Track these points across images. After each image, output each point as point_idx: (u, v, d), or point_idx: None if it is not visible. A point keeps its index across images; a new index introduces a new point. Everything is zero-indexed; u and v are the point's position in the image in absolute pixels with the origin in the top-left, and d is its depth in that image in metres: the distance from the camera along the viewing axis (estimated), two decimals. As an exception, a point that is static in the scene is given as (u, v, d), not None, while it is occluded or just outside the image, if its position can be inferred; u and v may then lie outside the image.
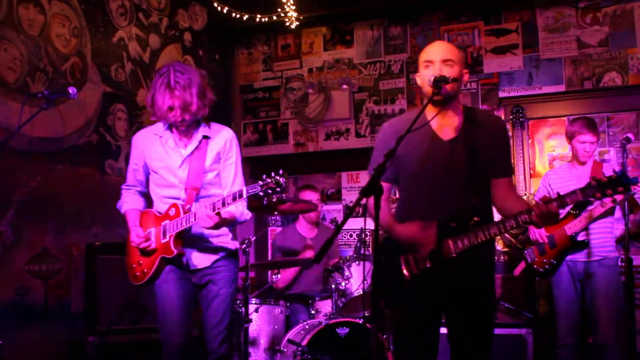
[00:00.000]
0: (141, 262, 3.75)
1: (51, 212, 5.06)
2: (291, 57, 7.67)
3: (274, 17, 6.99)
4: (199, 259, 3.75)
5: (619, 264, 4.93)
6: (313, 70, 7.56)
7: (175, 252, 3.62)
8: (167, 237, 3.64)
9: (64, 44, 5.26)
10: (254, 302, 5.28)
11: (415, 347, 3.18)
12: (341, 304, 5.25)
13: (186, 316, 3.74)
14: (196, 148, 3.70)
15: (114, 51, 5.82)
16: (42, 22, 5.06)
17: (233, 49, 7.84)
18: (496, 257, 5.77)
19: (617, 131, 6.40)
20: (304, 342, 4.83)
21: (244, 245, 4.99)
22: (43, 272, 4.95)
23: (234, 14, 6.97)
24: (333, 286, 5.24)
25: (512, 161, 6.48)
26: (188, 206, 3.62)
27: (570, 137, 5.01)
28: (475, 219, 3.06)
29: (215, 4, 6.87)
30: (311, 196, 6.07)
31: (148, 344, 4.78)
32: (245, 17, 7.03)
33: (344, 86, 7.28)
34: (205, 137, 3.73)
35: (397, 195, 3.49)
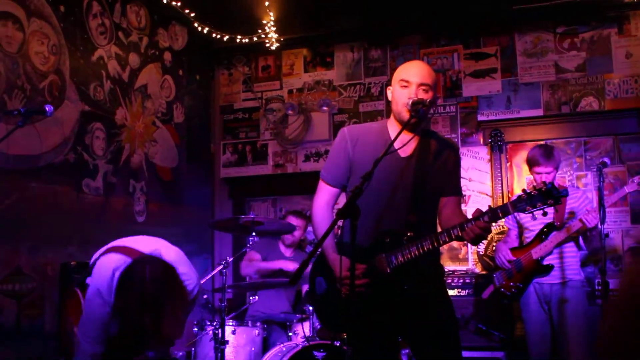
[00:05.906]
0: None
1: (26, 230, 4.99)
2: (271, 78, 7.68)
3: (255, 38, 7.02)
4: None
5: (585, 286, 4.97)
6: (293, 92, 7.57)
7: None
8: None
9: (42, 62, 5.22)
10: (231, 323, 5.23)
11: None
12: (319, 326, 5.22)
13: None
14: None
15: (93, 70, 5.79)
16: (20, 39, 5.02)
17: (213, 69, 7.84)
18: (472, 280, 5.78)
19: (594, 155, 6.45)
20: (281, 365, 4.80)
21: (221, 266, 4.98)
22: (16, 291, 4.88)
23: (214, 35, 7.00)
24: (311, 308, 5.21)
25: (491, 184, 6.52)
26: None
27: (528, 165, 5.02)
28: (409, 234, 3.07)
29: (196, 24, 6.89)
30: (294, 222, 5.97)
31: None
32: (226, 37, 7.07)
33: (324, 108, 7.29)
34: None
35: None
